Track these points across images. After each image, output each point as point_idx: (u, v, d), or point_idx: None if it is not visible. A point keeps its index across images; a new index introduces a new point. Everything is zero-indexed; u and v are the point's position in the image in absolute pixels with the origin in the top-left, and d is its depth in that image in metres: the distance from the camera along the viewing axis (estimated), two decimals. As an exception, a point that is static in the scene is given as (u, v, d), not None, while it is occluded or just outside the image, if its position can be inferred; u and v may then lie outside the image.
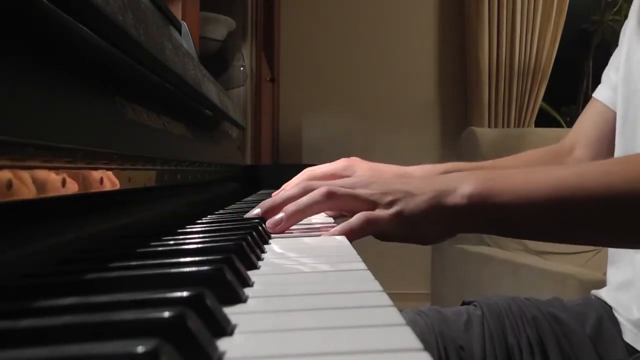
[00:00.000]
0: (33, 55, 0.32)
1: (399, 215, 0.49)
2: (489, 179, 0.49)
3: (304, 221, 0.57)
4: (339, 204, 0.52)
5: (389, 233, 0.51)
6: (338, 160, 0.75)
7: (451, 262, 2.17)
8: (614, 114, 0.74)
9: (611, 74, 0.78)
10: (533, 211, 0.48)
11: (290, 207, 0.51)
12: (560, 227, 0.49)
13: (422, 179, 0.55)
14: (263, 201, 0.56)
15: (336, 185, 0.53)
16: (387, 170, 0.76)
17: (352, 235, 0.49)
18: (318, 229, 0.55)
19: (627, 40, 0.71)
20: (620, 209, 0.46)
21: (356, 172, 0.72)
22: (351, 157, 0.76)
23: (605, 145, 0.76)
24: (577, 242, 0.53)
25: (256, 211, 0.54)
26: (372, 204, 0.50)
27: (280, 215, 0.51)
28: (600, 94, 0.79)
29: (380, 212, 0.50)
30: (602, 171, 0.47)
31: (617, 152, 0.71)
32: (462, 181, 0.49)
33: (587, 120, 0.82)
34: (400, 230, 0.50)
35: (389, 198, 0.50)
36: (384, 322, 0.23)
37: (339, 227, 0.50)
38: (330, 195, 0.51)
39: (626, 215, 0.46)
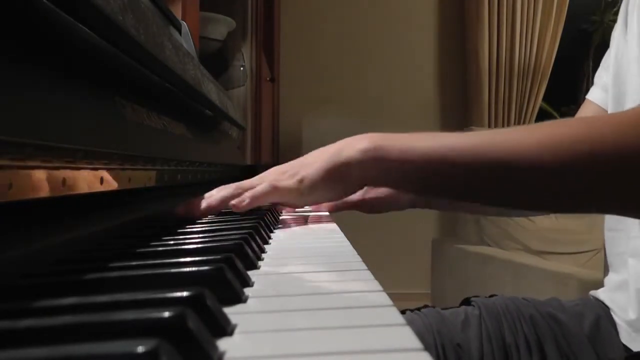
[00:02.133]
0: (33, 55, 0.32)
1: (300, 183, 0.57)
2: (383, 138, 0.52)
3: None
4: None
5: (297, 201, 0.59)
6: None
7: (451, 262, 2.17)
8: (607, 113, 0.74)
9: (603, 75, 0.78)
10: (415, 164, 0.50)
11: (251, 193, 0.58)
12: (439, 183, 0.50)
13: (318, 150, 0.59)
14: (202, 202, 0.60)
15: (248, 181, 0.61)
16: None
17: (256, 199, 0.57)
18: (315, 229, 0.55)
19: (616, 43, 0.71)
20: (494, 169, 0.46)
21: None
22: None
23: None
24: (458, 199, 0.54)
25: (200, 211, 0.59)
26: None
27: (240, 199, 0.58)
28: (593, 95, 0.79)
29: (285, 182, 0.58)
30: (486, 135, 0.47)
31: None
32: (359, 140, 0.54)
33: None
34: (306, 195, 0.57)
35: (288, 173, 0.59)
36: (384, 322, 0.23)
37: (247, 193, 0.58)
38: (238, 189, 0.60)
39: (500, 177, 0.46)
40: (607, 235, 0.74)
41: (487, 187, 0.48)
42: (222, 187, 0.62)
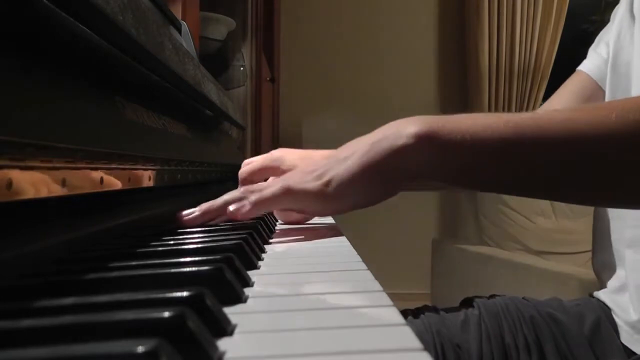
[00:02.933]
0: (33, 55, 0.32)
1: (327, 185, 0.46)
2: (436, 119, 0.44)
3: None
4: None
5: (321, 207, 0.47)
6: (269, 152, 0.70)
7: (451, 262, 2.17)
8: (599, 87, 0.73)
9: (600, 50, 0.76)
10: (486, 154, 0.43)
11: (255, 197, 0.48)
12: (517, 176, 0.44)
13: (354, 141, 0.48)
14: (202, 204, 0.52)
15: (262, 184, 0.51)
16: (317, 155, 0.71)
17: (263, 204, 0.47)
18: (315, 229, 0.55)
19: (618, 24, 0.70)
20: (581, 155, 0.41)
21: (284, 162, 0.68)
22: (281, 148, 0.71)
23: None
24: (537, 195, 0.47)
25: (191, 210, 0.51)
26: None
27: (242, 202, 0.48)
28: (587, 66, 0.77)
29: (306, 184, 0.47)
30: (562, 117, 0.42)
31: None
32: (404, 124, 0.44)
33: (569, 91, 0.79)
34: (332, 201, 0.46)
35: (317, 173, 0.47)
36: (384, 322, 0.23)
37: (250, 197, 0.47)
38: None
39: (587, 164, 0.42)
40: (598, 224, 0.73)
41: (571, 171, 0.42)
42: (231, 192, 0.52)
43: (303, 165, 0.51)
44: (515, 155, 0.42)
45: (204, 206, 0.51)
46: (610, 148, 0.41)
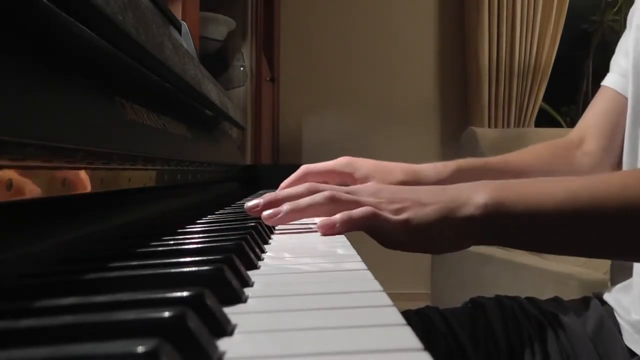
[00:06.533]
0: (33, 55, 0.32)
1: (406, 223, 0.48)
2: (502, 189, 0.48)
3: (306, 220, 0.57)
4: (341, 210, 0.50)
5: (393, 239, 0.49)
6: (339, 158, 0.72)
7: (451, 262, 2.17)
8: (627, 100, 0.71)
9: (620, 60, 0.75)
10: (545, 224, 0.47)
11: (290, 205, 0.50)
12: (573, 241, 0.49)
13: (431, 189, 0.52)
14: (266, 194, 0.54)
15: (341, 191, 0.52)
16: (394, 167, 0.72)
17: (351, 223, 0.47)
18: (315, 229, 0.55)
19: (636, 28, 0.68)
20: (636, 223, 0.46)
21: (358, 169, 0.69)
22: (347, 157, 0.72)
23: (618, 136, 0.74)
24: (591, 256, 0.53)
25: (256, 201, 0.52)
26: None
27: (278, 209, 0.50)
28: (610, 80, 0.76)
29: (388, 215, 0.48)
30: (618, 184, 0.46)
31: (626, 146, 0.69)
32: (475, 191, 0.48)
33: (598, 110, 0.78)
34: (406, 238, 0.48)
35: (396, 206, 0.49)
36: (384, 322, 0.23)
37: (338, 215, 0.48)
38: (333, 200, 0.50)
39: None
40: None
41: (628, 241, 0.47)
42: (310, 186, 0.52)
43: (379, 178, 0.56)
44: (572, 227, 0.47)
45: (289, 207, 0.51)
46: None
